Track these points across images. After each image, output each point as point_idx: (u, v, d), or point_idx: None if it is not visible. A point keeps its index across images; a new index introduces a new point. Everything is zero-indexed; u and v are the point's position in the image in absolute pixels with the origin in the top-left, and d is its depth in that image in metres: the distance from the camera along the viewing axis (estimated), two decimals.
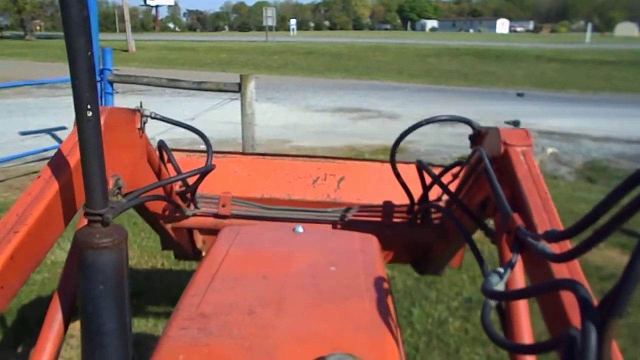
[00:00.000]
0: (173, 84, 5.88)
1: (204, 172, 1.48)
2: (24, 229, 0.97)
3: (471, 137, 1.42)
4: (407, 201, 1.65)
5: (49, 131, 7.55)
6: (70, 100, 0.85)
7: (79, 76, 0.82)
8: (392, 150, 1.57)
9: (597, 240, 0.63)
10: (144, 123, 1.39)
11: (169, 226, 1.69)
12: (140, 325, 2.75)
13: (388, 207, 1.72)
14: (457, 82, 17.36)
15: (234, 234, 1.38)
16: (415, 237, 1.69)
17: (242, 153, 2.48)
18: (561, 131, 9.21)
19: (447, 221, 1.61)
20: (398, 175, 1.58)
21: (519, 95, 14.10)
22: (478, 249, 1.15)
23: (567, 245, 0.89)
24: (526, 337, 0.96)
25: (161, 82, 5.98)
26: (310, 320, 0.96)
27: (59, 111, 9.28)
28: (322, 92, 14.50)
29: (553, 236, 0.84)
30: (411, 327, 2.93)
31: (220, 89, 5.46)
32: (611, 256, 3.83)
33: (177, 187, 1.64)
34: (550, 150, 7.98)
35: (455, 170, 1.53)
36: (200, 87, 5.56)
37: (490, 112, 10.82)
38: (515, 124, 9.66)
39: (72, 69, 0.82)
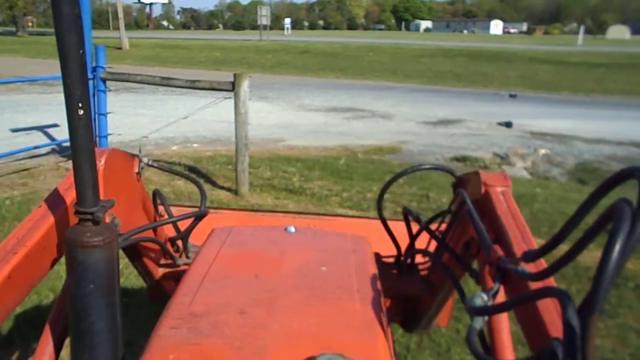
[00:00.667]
0: (166, 82, 5.85)
1: (197, 217, 1.47)
2: (23, 250, 0.99)
3: (453, 185, 1.49)
4: (394, 255, 1.68)
5: (41, 128, 7.51)
6: (62, 97, 0.85)
7: (71, 74, 0.82)
8: (378, 199, 1.62)
9: (568, 259, 0.69)
10: (142, 168, 1.42)
11: (159, 273, 1.66)
12: (131, 324, 2.73)
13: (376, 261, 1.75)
14: (451, 83, 17.42)
15: (225, 233, 1.38)
16: (402, 289, 1.71)
17: (233, 209, 2.52)
18: (553, 132, 9.26)
19: (433, 272, 1.65)
20: (384, 222, 1.61)
21: (512, 96, 14.17)
22: (462, 288, 1.20)
23: (543, 264, 0.95)
24: (508, 354, 0.99)
25: (154, 80, 5.95)
26: (301, 320, 0.96)
27: (51, 108, 9.22)
28: (315, 91, 14.49)
29: (530, 256, 0.90)
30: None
31: (213, 88, 5.44)
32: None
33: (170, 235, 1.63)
34: (542, 151, 8.03)
35: (435, 225, 1.57)
36: (193, 85, 5.54)
37: (483, 112, 10.86)
38: (508, 125, 9.71)
39: (63, 66, 0.81)
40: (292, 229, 1.39)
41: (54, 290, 3.02)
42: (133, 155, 1.41)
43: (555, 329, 0.80)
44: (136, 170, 1.40)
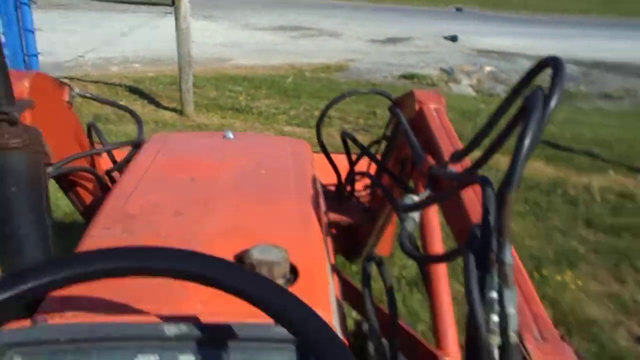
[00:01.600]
0: None
1: (134, 145, 1.40)
2: None
3: (390, 108, 1.47)
4: (334, 184, 1.67)
5: None
6: None
7: None
8: (317, 126, 1.60)
9: (491, 152, 0.73)
10: (73, 97, 1.35)
11: (93, 204, 1.54)
12: (67, 242, 2.70)
13: None
14: (399, 0, 17.07)
15: (162, 140, 1.35)
16: (342, 215, 1.70)
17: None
18: (498, 50, 9.36)
19: (372, 199, 1.67)
20: (323, 146, 1.59)
21: (458, 10, 14.11)
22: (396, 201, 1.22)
23: (469, 164, 0.98)
24: (438, 250, 1.05)
25: None
26: (237, 218, 0.97)
27: None
28: (262, 10, 13.89)
29: (456, 156, 0.94)
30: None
31: (152, 2, 5.11)
32: (537, 167, 4.07)
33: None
34: (488, 68, 8.14)
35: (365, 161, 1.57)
36: (130, 0, 5.19)
37: (431, 31, 10.79)
38: (453, 39, 9.73)
39: None
40: (231, 135, 1.37)
41: None
42: (62, 83, 1.34)
43: (478, 216, 0.84)
44: (67, 99, 1.34)
